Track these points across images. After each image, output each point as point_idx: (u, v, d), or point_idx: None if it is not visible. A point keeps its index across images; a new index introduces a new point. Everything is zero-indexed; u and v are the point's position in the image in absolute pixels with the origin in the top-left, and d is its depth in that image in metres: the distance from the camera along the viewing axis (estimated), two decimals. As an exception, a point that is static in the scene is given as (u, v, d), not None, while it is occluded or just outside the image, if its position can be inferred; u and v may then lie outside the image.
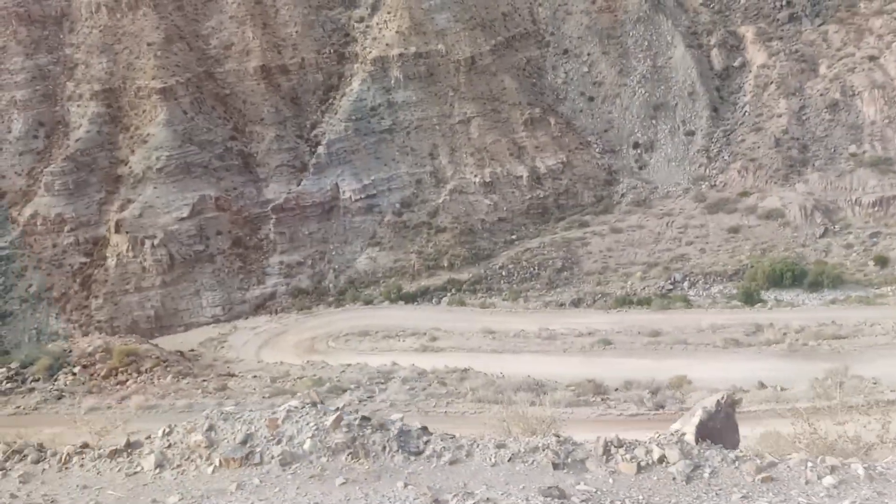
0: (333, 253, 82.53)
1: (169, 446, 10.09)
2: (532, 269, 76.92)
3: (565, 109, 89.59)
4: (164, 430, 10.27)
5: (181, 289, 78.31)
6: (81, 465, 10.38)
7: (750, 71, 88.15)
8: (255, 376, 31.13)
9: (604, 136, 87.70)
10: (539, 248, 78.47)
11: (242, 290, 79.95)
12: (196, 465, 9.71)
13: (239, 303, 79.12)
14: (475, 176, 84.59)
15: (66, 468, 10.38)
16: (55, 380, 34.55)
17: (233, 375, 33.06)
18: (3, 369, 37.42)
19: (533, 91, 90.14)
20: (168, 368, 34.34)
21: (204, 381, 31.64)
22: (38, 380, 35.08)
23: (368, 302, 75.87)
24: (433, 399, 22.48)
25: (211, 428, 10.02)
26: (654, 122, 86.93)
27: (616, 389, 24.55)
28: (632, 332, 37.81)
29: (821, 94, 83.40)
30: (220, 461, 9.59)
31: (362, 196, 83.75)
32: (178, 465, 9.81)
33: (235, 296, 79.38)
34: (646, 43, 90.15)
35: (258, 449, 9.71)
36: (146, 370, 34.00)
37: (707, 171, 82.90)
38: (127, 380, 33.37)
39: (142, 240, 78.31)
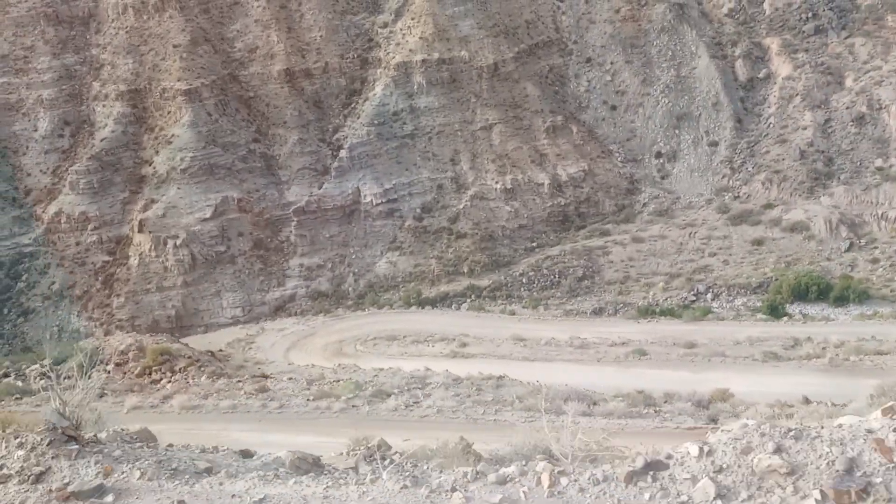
0: (353, 257, 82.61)
1: (719, 470, 7.93)
2: (553, 276, 76.63)
3: (587, 118, 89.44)
4: (701, 448, 8.14)
5: (202, 289, 78.59)
6: (581, 490, 8.08)
7: (775, 82, 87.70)
8: (290, 378, 31.08)
9: (626, 145, 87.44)
10: (560, 256, 78.19)
11: (262, 292, 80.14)
12: (779, 496, 7.62)
13: (259, 304, 79.29)
14: (496, 182, 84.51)
15: (557, 492, 8.09)
16: (89, 377, 34.65)
17: (267, 377, 33.03)
18: (37, 366, 37.62)
19: (555, 99, 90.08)
20: (202, 368, 34.38)
21: (239, 381, 31.64)
22: (70, 377, 35.21)
23: (389, 307, 75.80)
24: (480, 406, 22.29)
25: (779, 448, 7.96)
26: (676, 132, 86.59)
27: (665, 402, 24.26)
28: (666, 342, 37.49)
29: (847, 108, 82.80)
30: (820, 493, 7.49)
31: (383, 200, 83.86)
32: (750, 497, 7.67)
33: (255, 297, 79.57)
34: (669, 53, 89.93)
35: (877, 480, 7.52)
36: (180, 369, 34.05)
37: (730, 182, 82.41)
38: (161, 378, 33.42)
39: (164, 239, 78.73)
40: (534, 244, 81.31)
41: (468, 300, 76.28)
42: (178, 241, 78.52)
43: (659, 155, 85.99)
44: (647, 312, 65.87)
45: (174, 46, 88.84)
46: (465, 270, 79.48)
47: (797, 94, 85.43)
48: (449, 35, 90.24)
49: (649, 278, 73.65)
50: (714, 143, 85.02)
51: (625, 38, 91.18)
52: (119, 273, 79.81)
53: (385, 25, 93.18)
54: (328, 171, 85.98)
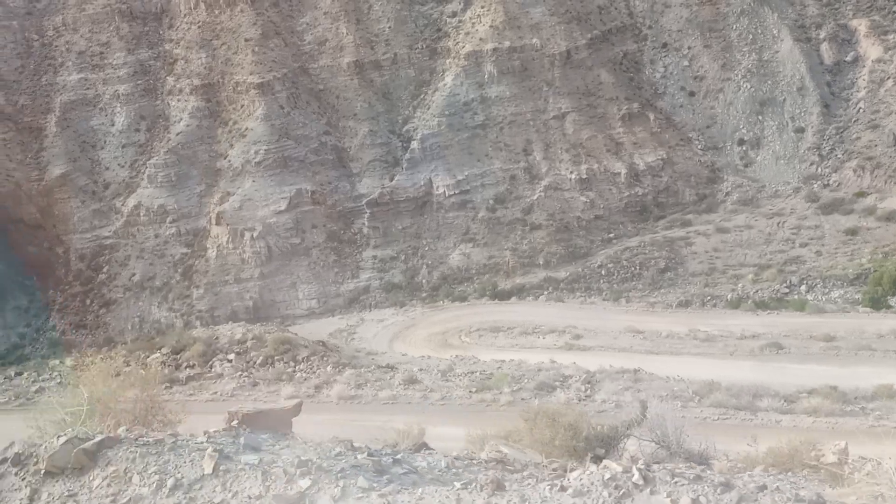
0: (426, 248, 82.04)
1: None
2: (633, 268, 74.63)
3: (664, 105, 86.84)
4: None
5: (278, 281, 79.11)
6: None
7: (864, 66, 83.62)
8: (420, 370, 30.30)
9: (706, 133, 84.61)
10: (639, 248, 76.12)
11: (337, 284, 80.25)
12: None
13: (334, 296, 79.42)
14: (571, 172, 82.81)
15: None
16: (211, 366, 34.65)
17: (393, 368, 32.38)
18: (157, 354, 37.77)
19: (630, 86, 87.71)
20: (324, 358, 33.96)
21: (367, 371, 31.07)
22: (193, 366, 35.26)
23: (463, 299, 74.91)
24: (661, 402, 21.07)
25: None
26: (760, 118, 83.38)
27: (864, 399, 22.65)
28: (798, 335, 35.66)
29: (945, 90, 78.40)
30: None
31: (456, 191, 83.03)
32: None
33: (330, 289, 79.73)
34: (750, 36, 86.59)
35: None
36: (303, 359, 33.70)
37: (819, 169, 78.97)
38: (285, 368, 33.11)
39: (241, 232, 79.47)
40: (611, 235, 79.40)
41: (545, 292, 74.88)
42: (255, 234, 79.16)
43: (742, 142, 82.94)
44: (741, 305, 63.47)
45: (246, 40, 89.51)
46: (541, 262, 78.09)
47: (889, 78, 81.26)
48: (520, 22, 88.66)
49: (737, 270, 71.04)
50: (800, 130, 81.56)
51: (702, 21, 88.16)
52: (198, 265, 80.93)
53: (454, 14, 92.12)
54: (399, 162, 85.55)
